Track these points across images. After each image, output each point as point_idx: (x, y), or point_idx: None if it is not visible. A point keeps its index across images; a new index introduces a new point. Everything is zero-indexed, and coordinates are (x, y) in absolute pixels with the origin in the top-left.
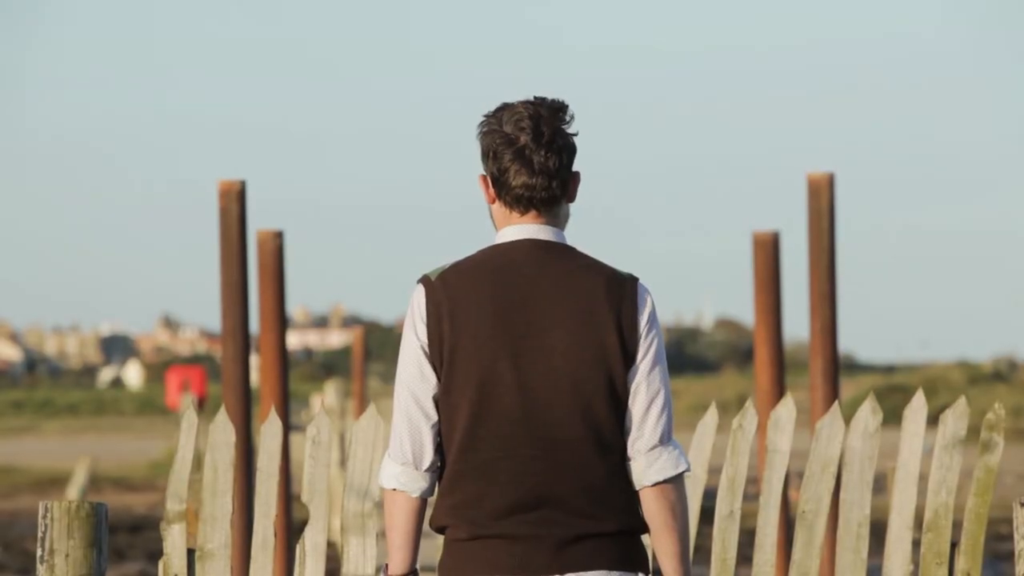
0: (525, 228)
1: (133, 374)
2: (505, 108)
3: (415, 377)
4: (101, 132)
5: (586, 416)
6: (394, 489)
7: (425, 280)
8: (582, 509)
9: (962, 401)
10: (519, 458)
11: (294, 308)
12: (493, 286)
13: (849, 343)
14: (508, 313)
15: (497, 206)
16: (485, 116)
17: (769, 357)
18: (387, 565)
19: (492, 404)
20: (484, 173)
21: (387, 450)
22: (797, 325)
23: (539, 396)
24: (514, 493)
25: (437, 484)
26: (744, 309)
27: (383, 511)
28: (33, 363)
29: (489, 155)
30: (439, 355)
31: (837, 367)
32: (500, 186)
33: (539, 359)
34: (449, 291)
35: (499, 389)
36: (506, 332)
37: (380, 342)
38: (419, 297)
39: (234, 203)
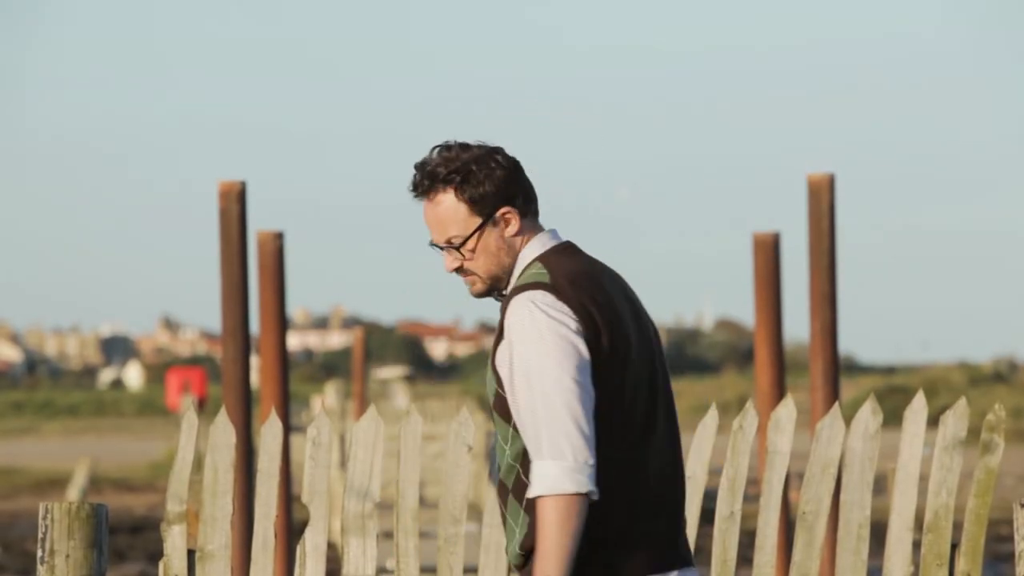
0: (555, 232)
1: (133, 375)
2: (489, 149)
3: (584, 381)
4: (101, 132)
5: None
6: (584, 494)
7: (555, 287)
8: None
9: (962, 402)
10: (669, 459)
11: (294, 309)
12: (615, 290)
13: (849, 344)
14: (636, 316)
15: (524, 223)
16: (489, 156)
17: (769, 358)
18: None
19: (658, 404)
20: (506, 208)
21: (551, 456)
22: (797, 326)
23: (667, 398)
24: (674, 493)
25: None
26: (744, 310)
27: (550, 519)
28: (33, 364)
29: (514, 179)
30: (602, 360)
31: (837, 368)
32: (531, 201)
33: (658, 359)
34: (590, 295)
35: (655, 391)
36: (642, 334)
37: (380, 343)
38: (559, 304)
39: (234, 204)
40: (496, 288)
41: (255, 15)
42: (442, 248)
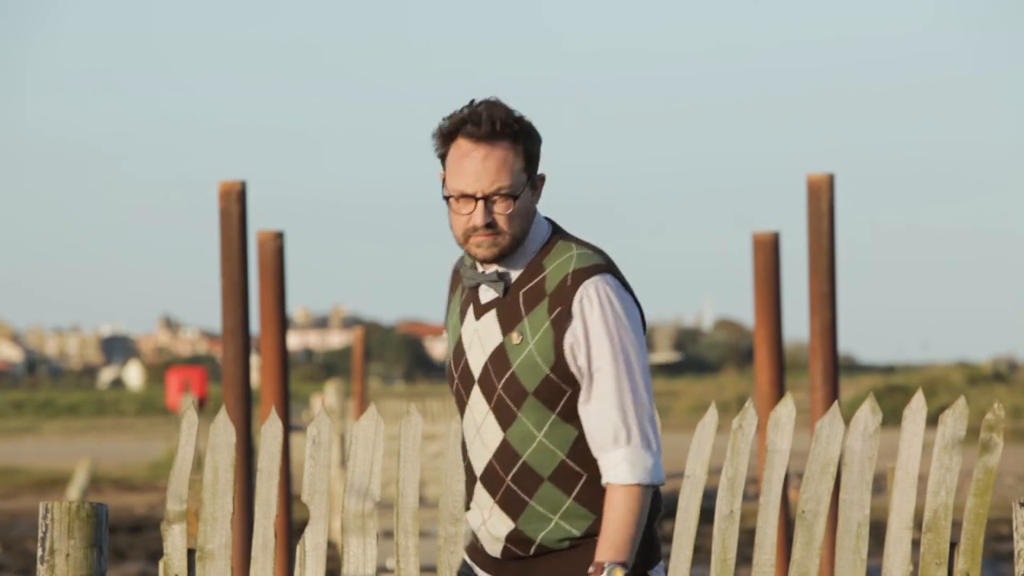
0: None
1: (134, 375)
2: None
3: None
4: (102, 132)
5: None
6: (658, 484)
7: (616, 272)
8: None
9: (961, 401)
10: None
11: (295, 309)
12: None
13: (849, 344)
14: None
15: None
16: (523, 118)
17: (769, 358)
18: (623, 564)
19: None
20: (542, 174)
21: (643, 446)
22: (797, 326)
23: None
24: None
25: None
26: (744, 310)
27: (641, 506)
28: (34, 364)
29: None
30: None
31: (837, 368)
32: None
33: None
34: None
35: None
36: None
37: (380, 342)
38: (629, 296)
39: (235, 204)
40: (508, 253)
41: (256, 15)
42: (480, 198)
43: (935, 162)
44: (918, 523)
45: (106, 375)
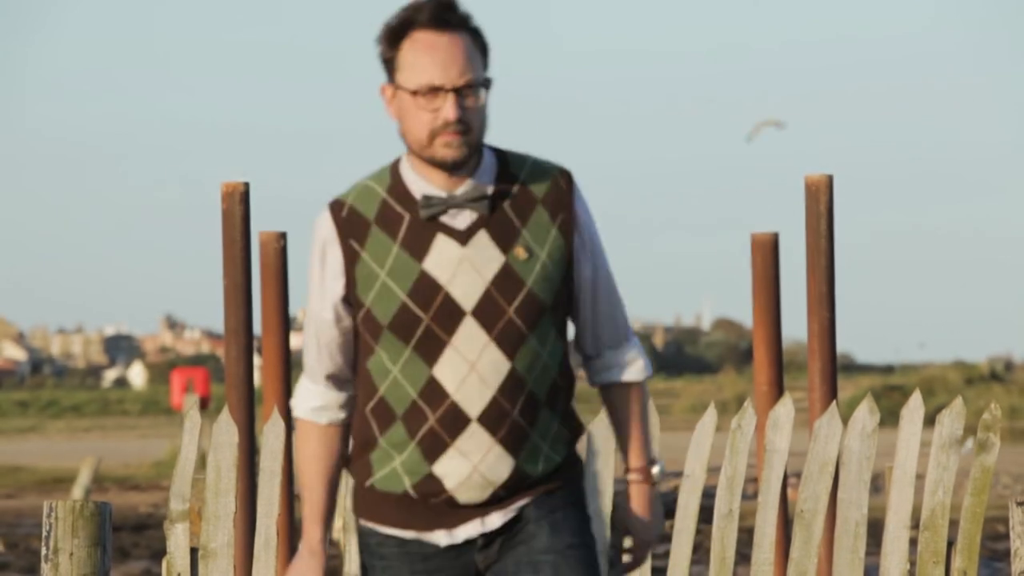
0: None
1: (137, 375)
2: None
3: None
4: (104, 133)
5: None
6: None
7: None
8: None
9: (959, 401)
10: None
11: (297, 309)
12: None
13: (847, 344)
14: None
15: None
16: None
17: (767, 358)
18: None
19: None
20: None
21: (635, 339)
22: (795, 326)
23: None
24: None
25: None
26: (743, 310)
27: (646, 401)
28: (38, 364)
29: None
30: None
31: (835, 368)
32: None
33: None
34: None
35: None
36: None
37: None
38: None
39: (237, 205)
40: (473, 155)
41: (257, 16)
42: (451, 90)
43: (934, 163)
44: (915, 522)
45: (110, 375)
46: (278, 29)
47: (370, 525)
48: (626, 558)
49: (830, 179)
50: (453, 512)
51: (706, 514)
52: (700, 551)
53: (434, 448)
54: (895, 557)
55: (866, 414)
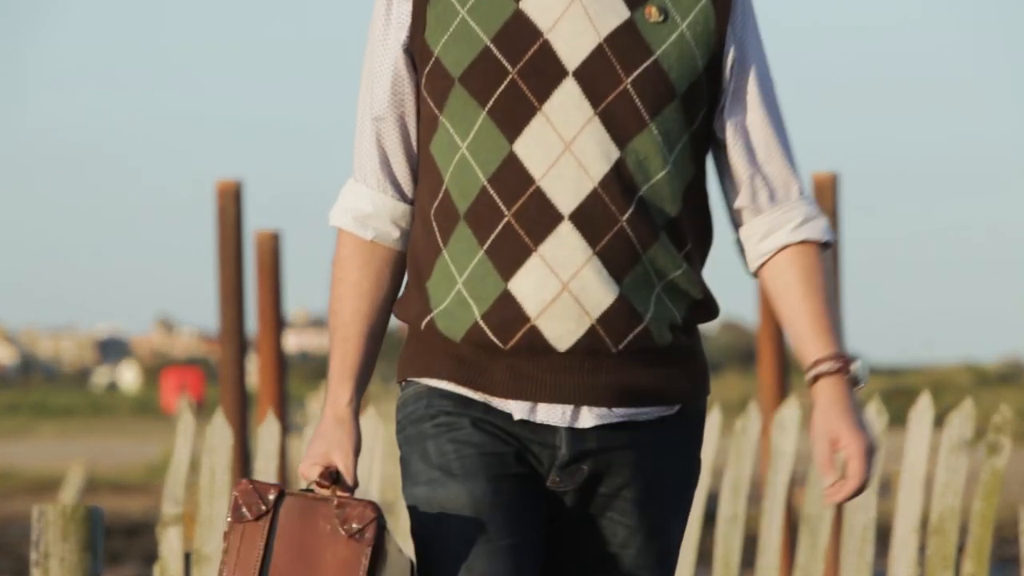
0: None
1: (129, 376)
2: None
3: None
4: (98, 132)
5: None
6: None
7: None
8: None
9: (968, 403)
10: None
11: (293, 309)
12: None
13: (854, 344)
14: None
15: None
16: None
17: (772, 359)
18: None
19: None
20: None
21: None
22: None
23: None
24: None
25: None
26: (747, 311)
27: (828, 275)
28: (28, 365)
29: None
30: None
31: None
32: None
33: None
34: None
35: None
36: None
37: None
38: None
39: (232, 203)
40: None
41: (255, 13)
42: None
43: (940, 161)
44: (924, 526)
45: (102, 376)
46: (276, 27)
47: (422, 380)
48: (841, 487)
49: (835, 177)
50: (535, 370)
51: (710, 518)
52: (704, 556)
53: (510, 256)
54: (903, 562)
55: (874, 416)
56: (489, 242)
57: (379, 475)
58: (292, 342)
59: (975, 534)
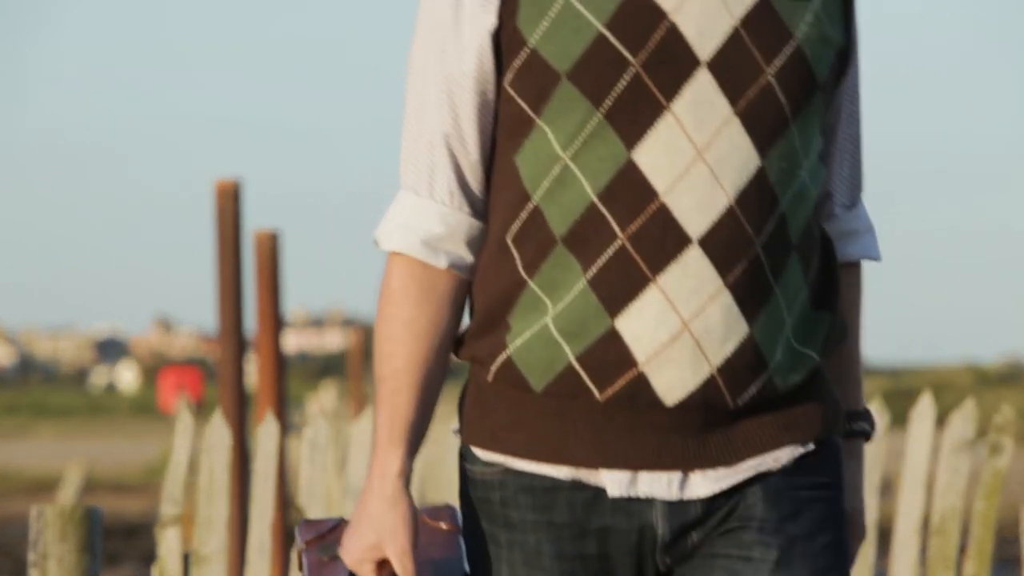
0: None
1: (128, 376)
2: None
3: None
4: (98, 132)
5: None
6: None
7: None
8: None
9: (969, 403)
10: None
11: (292, 309)
12: None
13: None
14: None
15: None
16: None
17: None
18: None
19: None
20: None
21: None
22: None
23: None
24: None
25: None
26: None
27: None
28: (27, 365)
29: None
30: None
31: None
32: None
33: None
34: None
35: None
36: None
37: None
38: None
39: (230, 203)
40: None
41: (254, 14)
42: None
43: (942, 160)
44: (926, 527)
45: (100, 376)
46: (276, 25)
47: (493, 456)
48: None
49: None
50: (634, 430)
51: None
52: None
53: (621, 287)
54: (905, 562)
55: (875, 416)
56: (595, 270)
57: None
58: (291, 342)
59: (976, 534)
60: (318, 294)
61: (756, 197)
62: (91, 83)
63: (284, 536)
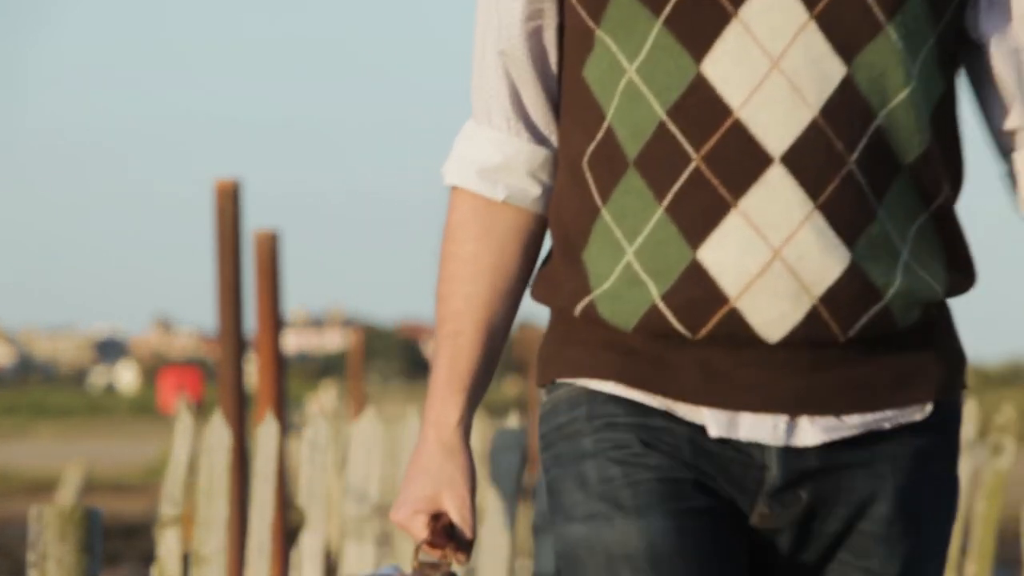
0: None
1: (128, 376)
2: None
3: None
4: (97, 132)
5: None
6: None
7: None
8: None
9: (971, 404)
10: None
11: (292, 309)
12: None
13: None
14: None
15: None
16: None
17: None
18: None
19: None
20: None
21: None
22: None
23: None
24: None
25: None
26: None
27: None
28: (26, 365)
29: None
30: None
31: None
32: None
33: None
34: None
35: None
36: None
37: (378, 347)
38: None
39: (230, 203)
40: None
41: (254, 13)
42: None
43: None
44: None
45: (100, 376)
46: (275, 25)
47: (578, 382)
48: None
49: None
50: (735, 369)
51: None
52: None
53: (700, 213)
54: None
55: None
56: (670, 196)
57: (378, 476)
58: (291, 342)
59: (978, 535)
60: (318, 294)
61: (845, 108)
62: (91, 83)
63: (284, 537)
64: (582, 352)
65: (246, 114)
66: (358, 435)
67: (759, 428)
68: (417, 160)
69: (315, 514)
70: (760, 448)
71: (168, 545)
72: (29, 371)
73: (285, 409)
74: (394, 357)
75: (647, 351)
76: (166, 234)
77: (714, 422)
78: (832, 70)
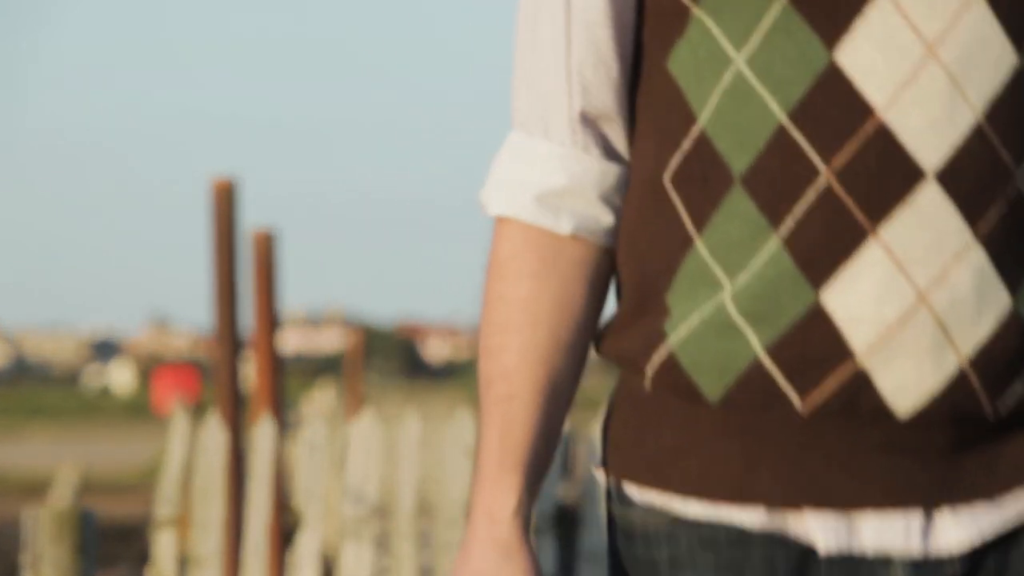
0: None
1: (123, 376)
2: None
3: None
4: (96, 131)
5: None
6: None
7: None
8: None
9: None
10: None
11: (289, 309)
12: None
13: None
14: None
15: None
16: None
17: None
18: None
19: None
20: None
21: None
22: None
23: None
24: None
25: None
26: None
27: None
28: (21, 364)
29: None
30: None
31: None
32: None
33: None
34: None
35: None
36: None
37: (376, 347)
38: None
39: (226, 202)
40: None
41: (253, 13)
42: None
43: None
44: None
45: (95, 376)
46: (274, 24)
47: (652, 496)
48: None
49: None
50: (853, 455)
51: None
52: None
53: (828, 244)
54: None
55: None
56: (790, 222)
57: (377, 476)
58: (288, 342)
59: None
60: (315, 294)
61: (1013, 111)
62: (91, 83)
63: (280, 537)
64: (656, 448)
65: (243, 113)
66: (357, 435)
67: (888, 532)
68: (416, 160)
69: (312, 515)
70: (885, 565)
71: (164, 546)
72: (24, 371)
73: (282, 410)
74: (392, 357)
75: (733, 434)
76: (162, 233)
77: (825, 534)
78: (1002, 59)
